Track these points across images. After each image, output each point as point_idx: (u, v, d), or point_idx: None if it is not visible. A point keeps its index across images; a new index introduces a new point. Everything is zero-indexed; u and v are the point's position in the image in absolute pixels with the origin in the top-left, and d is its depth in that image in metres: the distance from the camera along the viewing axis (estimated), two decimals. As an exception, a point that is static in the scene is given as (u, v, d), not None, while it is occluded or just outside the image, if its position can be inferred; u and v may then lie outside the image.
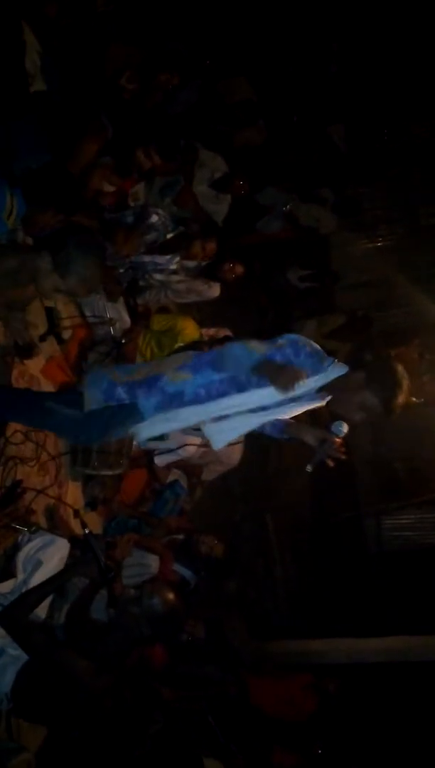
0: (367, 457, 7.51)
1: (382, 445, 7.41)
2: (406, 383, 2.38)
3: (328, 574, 6.61)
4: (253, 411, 2.43)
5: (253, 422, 2.47)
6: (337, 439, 2.33)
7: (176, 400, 2.39)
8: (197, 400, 2.38)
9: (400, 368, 2.41)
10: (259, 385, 2.34)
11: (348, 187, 7.07)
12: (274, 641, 5.18)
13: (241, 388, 2.37)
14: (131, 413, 2.42)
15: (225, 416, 2.44)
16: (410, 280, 7.13)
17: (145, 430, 2.49)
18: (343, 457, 2.34)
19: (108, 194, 3.88)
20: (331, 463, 2.33)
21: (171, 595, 2.74)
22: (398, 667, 4.89)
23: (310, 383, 2.35)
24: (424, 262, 7.40)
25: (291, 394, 2.27)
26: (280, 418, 2.48)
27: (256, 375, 2.31)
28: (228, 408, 2.40)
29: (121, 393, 2.40)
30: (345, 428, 2.35)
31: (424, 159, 7.28)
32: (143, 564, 3.56)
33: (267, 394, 2.35)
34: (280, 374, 2.24)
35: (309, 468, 2.34)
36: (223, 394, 2.37)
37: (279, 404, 2.41)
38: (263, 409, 2.43)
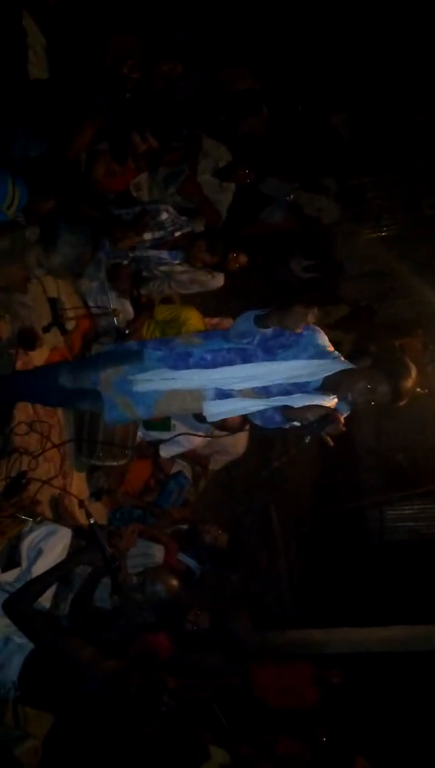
0: (370, 447, 7.53)
1: (385, 435, 7.42)
2: (414, 370, 2.37)
3: (331, 564, 6.64)
4: (256, 392, 2.43)
5: (253, 405, 2.45)
6: (340, 416, 2.28)
7: (182, 361, 2.48)
8: (202, 365, 2.46)
9: (407, 356, 2.42)
10: (264, 358, 2.41)
11: (351, 176, 7.03)
12: (277, 631, 5.20)
13: (246, 359, 2.43)
14: (134, 355, 2.54)
15: (226, 394, 2.44)
16: (414, 271, 7.10)
17: (143, 384, 2.50)
18: (343, 429, 2.28)
19: (112, 182, 3.85)
20: (331, 442, 2.30)
21: (174, 582, 2.75)
22: (401, 656, 4.91)
23: (313, 366, 2.38)
24: (428, 252, 7.36)
25: (298, 330, 2.29)
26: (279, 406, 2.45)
27: (261, 324, 2.35)
28: (231, 379, 2.42)
29: (132, 344, 2.63)
30: (348, 408, 2.35)
31: (427, 148, 7.23)
32: (148, 554, 3.57)
33: (271, 370, 2.39)
34: (286, 314, 2.28)
35: (308, 439, 2.28)
36: (228, 363, 2.44)
37: (281, 391, 2.41)
38: (266, 393, 2.42)
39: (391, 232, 7.71)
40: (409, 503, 7.52)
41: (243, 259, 4.58)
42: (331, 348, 2.47)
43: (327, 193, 6.30)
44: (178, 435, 3.86)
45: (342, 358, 2.43)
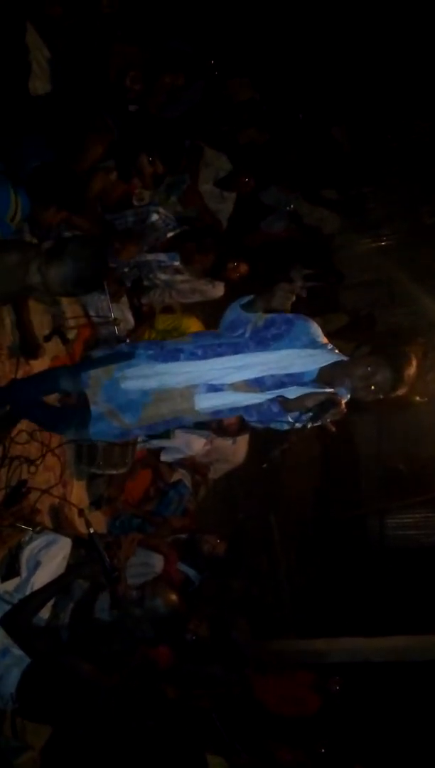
0: (370, 455, 7.52)
1: (386, 443, 7.41)
2: (413, 358, 2.33)
3: (331, 572, 6.62)
4: (249, 384, 2.40)
5: (246, 399, 2.42)
6: (341, 400, 2.25)
7: (172, 357, 2.48)
8: (193, 359, 2.46)
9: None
10: (257, 350, 2.40)
11: (351, 187, 7.07)
12: (277, 640, 5.19)
13: (238, 352, 2.42)
14: (124, 355, 2.56)
15: (218, 390, 2.42)
16: (414, 279, 7.11)
17: (134, 380, 2.48)
18: (345, 412, 2.26)
19: (114, 192, 3.88)
20: (332, 428, 2.28)
21: (173, 596, 2.74)
22: (401, 666, 4.89)
23: (306, 355, 2.37)
24: (428, 261, 7.38)
25: (286, 308, 2.30)
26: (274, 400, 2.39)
27: (249, 309, 2.37)
28: (223, 370, 2.40)
29: (123, 347, 2.63)
30: (347, 393, 2.32)
31: (426, 158, 7.27)
32: (147, 563, 3.57)
33: (264, 359, 2.38)
34: (271, 295, 2.30)
35: (309, 425, 2.23)
36: (219, 355, 2.43)
37: (276, 383, 2.39)
38: (260, 385, 2.40)
39: (391, 241, 7.74)
40: (410, 512, 7.50)
41: (244, 268, 4.60)
42: (324, 339, 2.45)
43: (328, 204, 6.33)
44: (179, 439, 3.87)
45: (336, 351, 2.42)
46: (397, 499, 7.21)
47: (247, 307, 2.40)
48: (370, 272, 7.48)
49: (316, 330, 2.44)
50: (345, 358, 2.39)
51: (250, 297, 2.41)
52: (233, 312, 2.44)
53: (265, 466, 2.49)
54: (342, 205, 6.50)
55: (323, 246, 6.95)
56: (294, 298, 2.33)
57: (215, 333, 2.55)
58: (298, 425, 2.26)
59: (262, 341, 2.42)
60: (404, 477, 7.41)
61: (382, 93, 6.84)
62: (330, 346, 2.43)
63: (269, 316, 2.42)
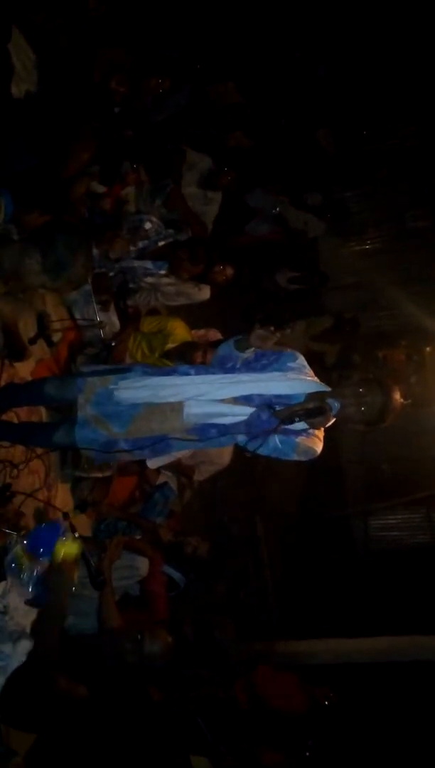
0: (354, 457, 7.57)
1: (370, 446, 7.46)
2: (397, 392, 2.43)
3: (316, 574, 6.65)
4: (238, 401, 2.46)
5: (235, 410, 2.48)
6: (329, 410, 2.37)
7: (165, 372, 2.62)
8: (186, 375, 2.57)
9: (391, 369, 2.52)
10: (245, 371, 2.51)
11: (336, 190, 7.12)
12: (263, 642, 5.21)
13: (227, 371, 2.53)
14: (119, 369, 2.66)
15: (206, 400, 2.48)
16: (398, 283, 7.19)
17: (127, 391, 2.53)
18: (331, 421, 2.39)
19: (104, 199, 3.89)
20: (317, 447, 2.41)
21: (169, 640, 2.68)
22: (386, 667, 4.93)
23: (293, 380, 2.47)
24: (412, 264, 7.46)
25: (266, 348, 2.42)
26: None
27: (237, 348, 2.46)
28: (215, 385, 2.48)
29: (120, 366, 2.76)
30: (338, 405, 2.42)
31: (411, 162, 7.35)
32: (133, 566, 3.57)
33: (254, 378, 2.48)
34: (251, 337, 2.39)
35: (296, 420, 2.34)
36: (209, 373, 2.56)
37: (265, 402, 2.44)
38: (248, 402, 2.46)
39: (375, 245, 7.81)
40: (394, 513, 7.57)
41: (229, 271, 4.61)
42: (311, 373, 2.54)
43: (312, 207, 6.37)
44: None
45: (323, 384, 2.50)
46: (381, 500, 7.27)
47: (239, 344, 2.48)
48: (355, 275, 7.54)
49: (303, 362, 2.55)
50: (329, 390, 2.48)
51: (241, 338, 2.48)
52: (226, 348, 2.52)
53: (248, 455, 2.52)
54: (326, 209, 6.54)
55: (308, 249, 7.00)
56: (276, 338, 2.40)
57: (207, 367, 2.68)
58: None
59: (251, 369, 2.53)
60: (388, 479, 7.47)
61: (366, 97, 6.91)
62: (316, 380, 2.52)
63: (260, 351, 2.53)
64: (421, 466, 6.63)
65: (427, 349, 6.39)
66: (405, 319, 7.10)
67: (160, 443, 2.54)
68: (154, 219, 4.04)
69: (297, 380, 2.46)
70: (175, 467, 4.54)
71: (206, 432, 2.50)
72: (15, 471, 3.18)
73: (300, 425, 2.38)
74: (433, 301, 6.69)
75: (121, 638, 2.70)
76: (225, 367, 2.53)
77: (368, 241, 7.81)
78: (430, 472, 6.55)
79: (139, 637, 2.64)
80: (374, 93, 6.87)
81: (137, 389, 2.52)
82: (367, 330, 7.06)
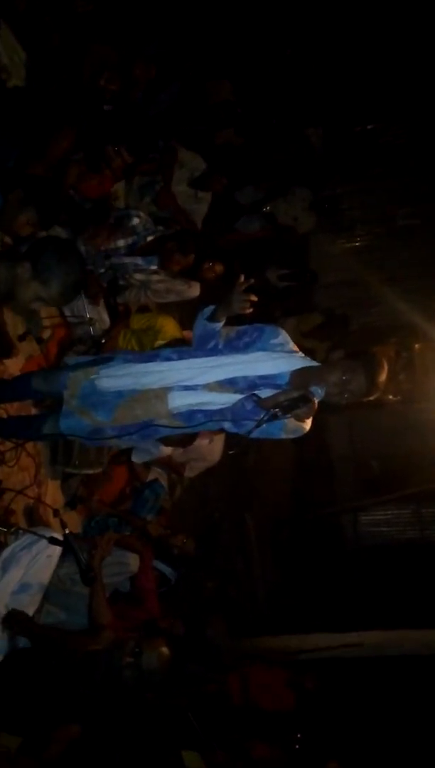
0: (344, 454, 7.61)
1: (359, 442, 7.51)
2: (385, 364, 2.40)
3: (306, 570, 6.69)
4: (222, 385, 2.44)
5: (219, 398, 2.45)
6: (314, 399, 2.31)
7: (147, 358, 2.57)
8: (169, 360, 2.53)
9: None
10: (228, 353, 2.47)
11: (326, 187, 7.14)
12: (253, 638, 5.23)
13: (210, 354, 2.49)
14: (102, 358, 2.62)
15: (191, 390, 2.46)
16: (387, 280, 7.23)
17: (109, 380, 2.51)
18: (315, 410, 2.32)
19: (89, 187, 3.87)
20: (305, 425, 2.36)
21: (166, 651, 2.64)
22: (375, 661, 4.96)
23: (278, 357, 2.45)
24: (401, 262, 7.50)
25: (246, 311, 2.35)
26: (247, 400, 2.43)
27: (213, 320, 2.42)
28: (197, 370, 2.45)
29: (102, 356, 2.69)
30: (322, 392, 2.38)
31: (401, 160, 7.38)
32: (123, 563, 3.57)
33: (237, 359, 2.44)
34: (230, 302, 2.34)
35: (280, 414, 2.27)
36: (193, 357, 2.50)
37: (249, 385, 2.43)
38: (233, 386, 2.43)
39: (365, 242, 7.84)
40: (383, 509, 7.62)
41: (219, 268, 4.62)
42: (295, 347, 2.51)
43: (302, 204, 6.38)
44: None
45: (308, 358, 2.48)
46: (371, 496, 7.32)
47: (211, 316, 2.43)
48: (345, 272, 7.57)
49: (286, 337, 2.52)
50: (317, 364, 2.45)
51: (212, 308, 2.44)
52: (199, 327, 2.48)
53: (231, 452, 2.50)
54: (316, 206, 6.55)
55: (298, 246, 7.02)
56: (254, 299, 2.36)
57: (189, 348, 2.61)
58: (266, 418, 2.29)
59: (234, 349, 2.49)
60: (377, 474, 7.52)
61: (356, 95, 6.93)
62: (301, 354, 2.50)
63: (241, 327, 2.50)
64: (410, 462, 6.69)
65: (417, 345, 6.43)
66: (395, 316, 7.14)
67: (146, 429, 2.52)
68: (142, 215, 4.03)
69: (281, 359, 2.44)
70: (166, 464, 4.55)
71: (192, 418, 2.49)
72: (6, 468, 3.18)
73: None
74: (423, 298, 6.73)
75: (118, 653, 2.62)
76: (207, 347, 2.49)
77: (358, 239, 7.84)
78: (419, 468, 6.60)
79: (137, 650, 2.58)
80: (366, 90, 6.90)
81: (120, 377, 2.51)
82: (357, 327, 7.10)
